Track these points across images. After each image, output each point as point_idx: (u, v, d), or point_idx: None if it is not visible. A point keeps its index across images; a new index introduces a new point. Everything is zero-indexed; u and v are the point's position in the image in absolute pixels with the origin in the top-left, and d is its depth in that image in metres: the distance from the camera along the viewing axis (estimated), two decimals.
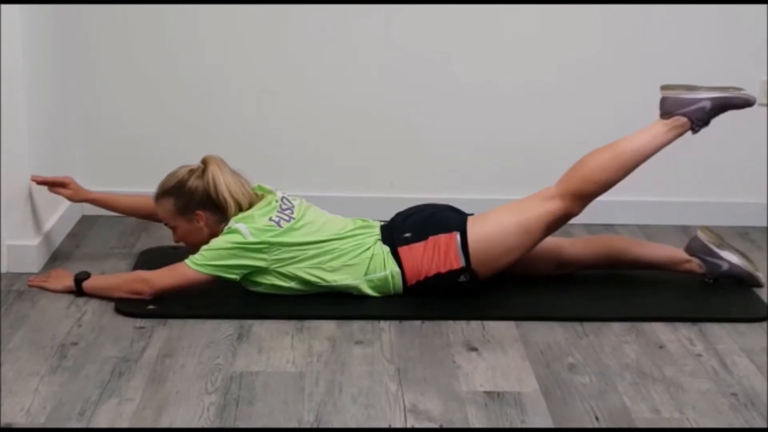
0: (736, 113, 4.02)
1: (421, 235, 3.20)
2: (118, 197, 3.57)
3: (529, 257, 3.27)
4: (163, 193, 3.27)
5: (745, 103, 3.19)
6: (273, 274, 3.17)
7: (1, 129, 3.31)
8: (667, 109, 3.20)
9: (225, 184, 3.21)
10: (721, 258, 3.36)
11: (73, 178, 3.50)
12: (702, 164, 4.12)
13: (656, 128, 3.19)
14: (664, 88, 3.23)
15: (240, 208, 3.21)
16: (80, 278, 3.23)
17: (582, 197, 3.20)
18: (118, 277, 3.28)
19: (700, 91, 3.16)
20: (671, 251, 3.45)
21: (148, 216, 3.49)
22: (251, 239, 3.12)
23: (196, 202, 3.23)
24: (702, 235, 3.41)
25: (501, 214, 3.22)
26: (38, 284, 3.28)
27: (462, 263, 3.17)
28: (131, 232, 3.87)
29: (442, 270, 3.18)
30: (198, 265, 3.12)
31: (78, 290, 3.22)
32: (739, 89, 3.19)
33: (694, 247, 3.40)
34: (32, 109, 3.41)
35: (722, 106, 3.16)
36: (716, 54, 4.01)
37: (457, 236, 3.17)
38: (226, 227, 3.17)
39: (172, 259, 3.21)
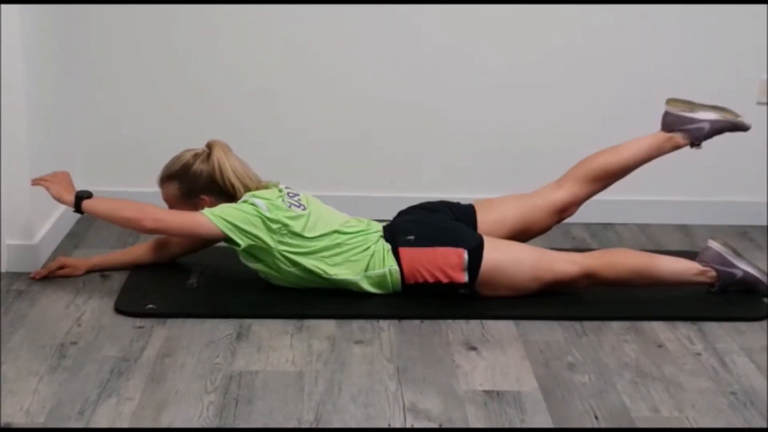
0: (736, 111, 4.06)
1: (426, 242, 3.20)
2: (117, 254, 3.49)
3: (528, 222, 3.37)
4: (168, 176, 3.27)
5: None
6: (277, 257, 3.17)
7: (1, 129, 3.31)
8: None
9: (231, 169, 3.21)
10: None
11: (64, 258, 3.41)
12: (702, 163, 4.10)
13: (690, 267, 3.31)
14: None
15: (248, 191, 3.21)
16: (82, 196, 3.16)
17: (595, 278, 3.26)
18: (124, 201, 3.19)
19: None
20: (646, 139, 3.45)
21: (152, 262, 3.43)
22: (268, 214, 3.11)
23: (200, 186, 3.22)
24: (670, 108, 3.42)
25: (522, 250, 3.25)
26: (39, 184, 3.23)
27: (465, 279, 3.17)
28: (130, 231, 3.85)
29: (444, 280, 3.18)
30: (214, 215, 3.09)
31: (77, 208, 3.17)
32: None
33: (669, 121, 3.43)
34: (32, 108, 3.41)
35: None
36: (716, 53, 4.01)
37: (465, 254, 3.16)
38: (242, 200, 3.15)
39: None
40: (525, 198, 3.46)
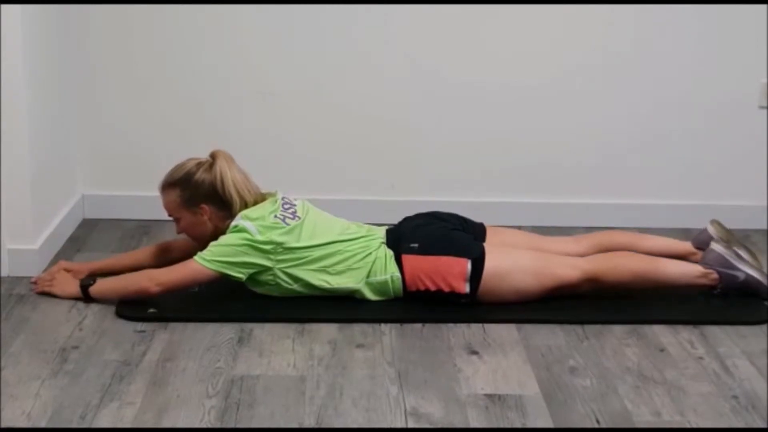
0: (735, 115, 4.06)
1: (430, 250, 3.19)
2: (119, 258, 3.49)
3: None
4: (170, 183, 3.27)
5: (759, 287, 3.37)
6: (278, 275, 3.17)
7: (1, 132, 3.31)
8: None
9: (232, 180, 3.21)
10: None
11: (65, 262, 3.41)
12: (702, 166, 4.12)
13: (693, 269, 3.33)
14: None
15: (245, 206, 3.21)
16: (86, 284, 3.22)
17: (598, 282, 3.26)
18: (124, 278, 3.25)
19: (735, 246, 3.38)
20: (673, 243, 3.56)
21: (154, 266, 3.36)
22: (259, 237, 3.11)
23: (201, 196, 3.22)
24: (710, 227, 3.51)
25: (522, 257, 3.25)
26: (44, 289, 3.28)
27: (467, 290, 3.17)
28: (132, 235, 3.87)
29: (445, 289, 3.18)
30: (206, 260, 3.11)
31: (85, 296, 3.21)
32: (762, 265, 3.42)
33: (702, 240, 3.51)
34: (33, 111, 3.41)
35: (752, 286, 3.32)
36: (716, 56, 4.01)
37: (468, 264, 3.16)
38: (232, 225, 3.17)
39: None
40: (538, 238, 3.50)
